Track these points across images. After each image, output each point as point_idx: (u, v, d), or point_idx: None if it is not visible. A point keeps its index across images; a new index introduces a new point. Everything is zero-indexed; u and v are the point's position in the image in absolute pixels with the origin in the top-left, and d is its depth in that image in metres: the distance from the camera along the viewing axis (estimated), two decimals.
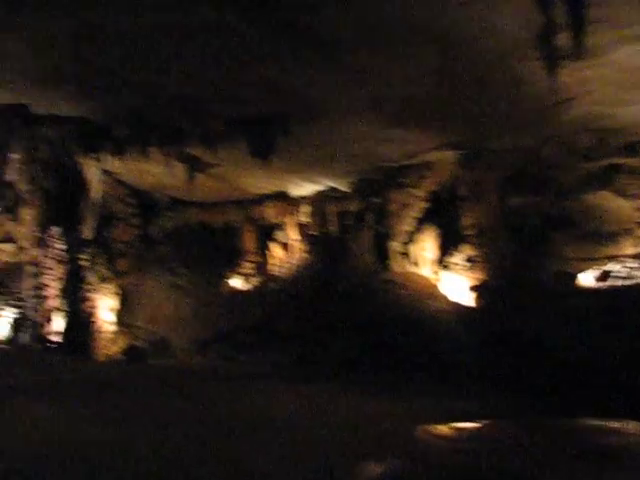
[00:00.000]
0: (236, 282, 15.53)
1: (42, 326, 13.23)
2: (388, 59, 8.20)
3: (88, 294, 12.77)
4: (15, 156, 8.81)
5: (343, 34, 7.52)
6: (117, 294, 13.81)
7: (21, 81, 9.13)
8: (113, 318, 13.37)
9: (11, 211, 16.07)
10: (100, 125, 10.34)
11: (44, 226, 9.75)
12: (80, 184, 10.37)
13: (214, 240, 16.77)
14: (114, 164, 14.56)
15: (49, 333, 13.03)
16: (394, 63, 8.31)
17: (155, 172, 15.55)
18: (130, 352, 12.89)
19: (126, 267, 16.01)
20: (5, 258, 15.81)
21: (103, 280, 12.95)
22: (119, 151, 11.76)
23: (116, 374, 11.19)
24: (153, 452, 5.62)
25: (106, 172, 15.21)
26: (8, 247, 15.79)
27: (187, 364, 13.69)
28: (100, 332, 12.81)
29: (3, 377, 9.69)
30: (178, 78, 8.96)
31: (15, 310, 14.59)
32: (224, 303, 15.10)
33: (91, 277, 12.89)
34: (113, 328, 13.27)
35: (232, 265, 15.88)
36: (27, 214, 9.25)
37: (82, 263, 13.09)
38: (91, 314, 12.80)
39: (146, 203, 17.19)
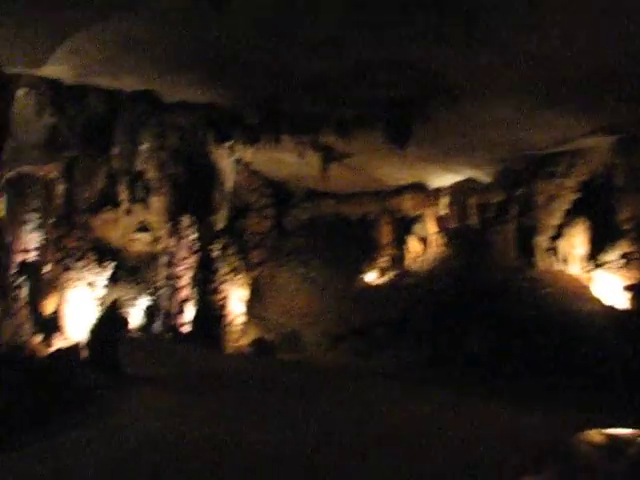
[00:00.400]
0: (371, 276, 17.36)
1: (174, 316, 16.06)
2: (542, 37, 8.50)
3: (219, 285, 15.28)
4: (144, 144, 11.04)
5: (490, 7, 7.79)
6: (248, 285, 16.25)
7: (149, 67, 10.22)
8: (243, 310, 15.77)
9: (145, 200, 19.40)
10: (231, 112, 12.33)
11: (174, 215, 12.09)
12: (211, 173, 12.65)
13: (349, 232, 18.77)
14: (247, 153, 17.08)
15: (181, 323, 15.62)
16: (547, 41, 8.58)
17: (289, 162, 17.82)
18: (258, 345, 15.19)
19: (259, 258, 18.56)
20: (140, 247, 19.03)
21: (235, 271, 15.39)
22: (252, 140, 14.04)
23: (245, 367, 13.16)
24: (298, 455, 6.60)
25: (239, 162, 17.86)
26: (144, 236, 19.01)
27: (318, 359, 15.74)
28: (230, 324, 15.25)
29: (135, 367, 11.43)
30: (311, 60, 9.90)
31: (149, 299, 17.73)
32: (358, 297, 16.98)
33: (223, 268, 15.36)
34: (243, 320, 15.68)
35: (367, 258, 17.75)
36: (157, 202, 11.61)
37: (214, 253, 15.68)
38: (222, 305, 15.24)
39: (281, 194, 19.67)
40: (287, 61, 9.93)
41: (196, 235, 16.45)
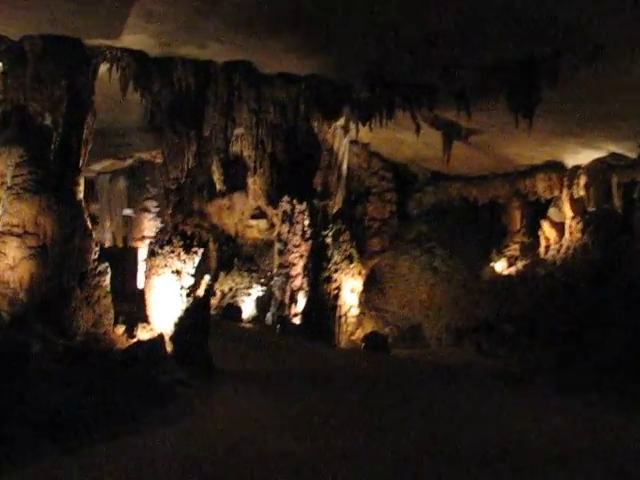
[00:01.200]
0: (499, 265, 16.49)
1: (286, 306, 16.02)
2: None
3: (332, 274, 15.11)
4: (241, 119, 10.91)
5: None
6: (363, 275, 15.98)
7: (236, 31, 9.41)
8: (357, 301, 15.51)
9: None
10: (336, 84, 11.91)
11: (274, 198, 11.93)
12: (315, 153, 12.39)
13: (477, 218, 17.96)
14: (363, 133, 16.77)
15: (293, 314, 15.15)
16: None
17: (409, 142, 17.26)
18: (373, 339, 14.34)
19: (379, 246, 18.23)
20: (256, 235, 19.30)
21: (348, 259, 15.13)
22: (363, 116, 13.68)
23: (356, 364, 12.51)
24: None
25: (356, 142, 17.63)
26: (261, 223, 19.28)
27: (438, 356, 15.22)
28: (343, 316, 15.01)
29: (235, 361, 11.25)
30: (422, 15, 8.93)
31: (262, 289, 17.93)
32: (485, 289, 16.15)
33: (336, 255, 15.15)
34: (357, 312, 15.44)
35: (495, 246, 16.90)
36: (254, 184, 11.59)
37: (327, 240, 15.43)
38: (335, 296, 14.96)
39: (403, 177, 19.22)
40: (395, 18, 9.06)
41: (308, 221, 16.49)
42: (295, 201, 16.15)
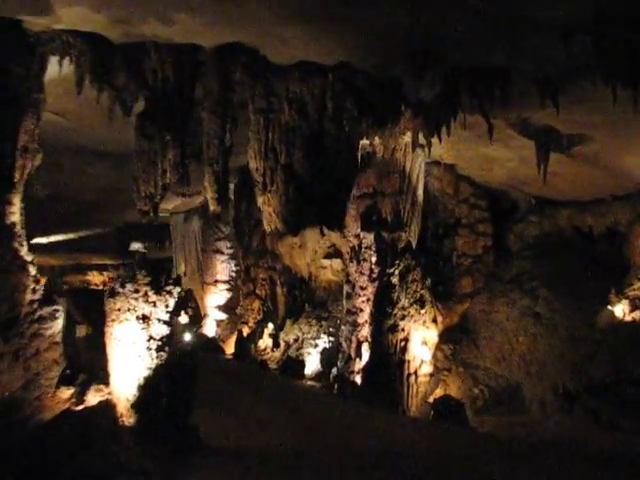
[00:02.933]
0: (620, 309, 12.82)
1: (352, 361, 13.42)
2: None
3: (398, 322, 12.21)
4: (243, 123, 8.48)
5: None
6: (443, 323, 12.96)
7: (245, 14, 7.38)
8: (430, 355, 12.41)
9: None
10: (377, 79, 9.27)
11: (292, 223, 8.96)
12: (349, 163, 9.43)
13: (591, 251, 14.43)
14: (442, 150, 13.91)
15: (358, 371, 12.37)
16: None
17: (501, 159, 14.25)
18: (442, 406, 10.92)
19: (470, 287, 15.13)
20: (330, 276, 16.81)
21: (419, 303, 12.18)
22: (429, 125, 10.96)
23: (430, 443, 9.18)
24: None
25: (436, 163, 14.81)
26: (334, 263, 16.79)
27: (539, 428, 11.86)
28: (412, 374, 12.03)
29: (267, 435, 8.88)
30: None
31: (331, 339, 15.30)
32: (601, 339, 12.56)
33: (403, 299, 12.28)
34: (429, 369, 12.38)
35: (616, 285, 13.26)
36: (266, 205, 8.84)
37: (392, 280, 12.46)
38: (402, 349, 11.79)
39: (500, 205, 16.11)
40: None
41: (376, 258, 13.79)
42: (363, 233, 13.62)
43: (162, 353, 7.45)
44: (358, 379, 12.38)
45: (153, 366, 7.36)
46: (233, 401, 11.26)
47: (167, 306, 7.53)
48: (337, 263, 15.84)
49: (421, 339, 11.82)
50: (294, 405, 11.12)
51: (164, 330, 7.46)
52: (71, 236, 23.02)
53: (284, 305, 16.80)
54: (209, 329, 18.96)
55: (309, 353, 14.82)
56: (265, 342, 16.04)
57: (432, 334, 12.00)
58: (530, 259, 14.69)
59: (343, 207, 9.63)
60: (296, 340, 15.36)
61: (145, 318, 7.36)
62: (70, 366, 7.79)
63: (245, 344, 15.77)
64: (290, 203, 8.45)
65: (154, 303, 7.44)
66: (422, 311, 11.91)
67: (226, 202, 8.50)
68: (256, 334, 16.37)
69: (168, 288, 7.51)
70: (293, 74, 8.31)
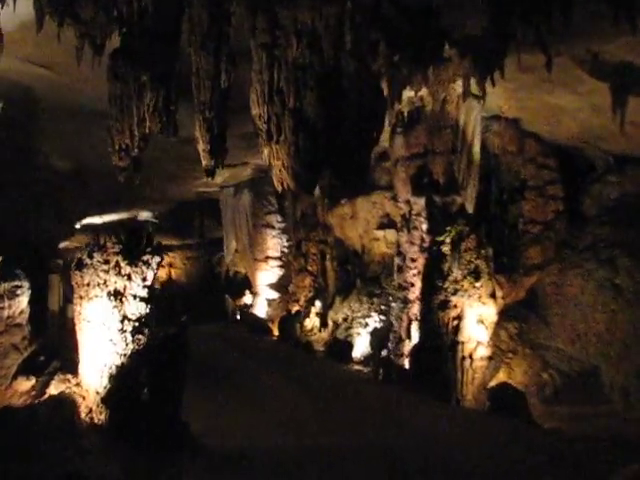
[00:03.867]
0: None
1: (401, 343, 11.87)
2: None
3: (450, 297, 10.67)
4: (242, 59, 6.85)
5: None
6: (503, 299, 11.24)
7: None
8: (487, 336, 10.84)
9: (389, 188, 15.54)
10: (409, 7, 7.42)
11: (305, 180, 7.04)
12: (375, 108, 7.59)
13: None
14: (503, 101, 12.04)
15: (407, 354, 10.88)
16: None
17: (570, 108, 12.28)
18: (499, 396, 9.12)
19: (540, 258, 13.26)
20: (384, 249, 15.16)
21: (474, 275, 10.51)
22: (480, 67, 9.21)
23: (482, 441, 7.57)
24: None
25: (496, 117, 12.94)
26: (388, 234, 15.17)
27: (620, 420, 10.05)
28: (467, 358, 10.46)
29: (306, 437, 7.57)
30: None
31: (382, 318, 13.81)
32: None
33: (456, 271, 10.59)
34: (487, 352, 10.73)
35: None
36: (274, 158, 7.10)
37: (443, 249, 10.68)
38: (454, 328, 10.10)
39: (573, 165, 14.07)
40: None
41: (427, 225, 12.17)
42: (413, 198, 12.04)
43: (140, 337, 6.21)
44: (407, 363, 10.92)
45: (128, 352, 6.10)
46: (259, 390, 10.04)
47: (144, 279, 6.27)
48: (391, 234, 14.30)
49: (476, 317, 10.19)
50: (330, 395, 9.76)
51: (142, 308, 6.22)
52: (125, 216, 22.34)
53: (334, 281, 15.40)
54: (260, 309, 17.81)
55: (359, 333, 13.42)
56: (312, 322, 14.72)
57: (490, 311, 10.32)
58: (609, 224, 12.65)
59: (366, 161, 7.94)
60: (345, 319, 13.98)
61: (118, 294, 6.13)
62: (44, 352, 6.72)
63: (290, 324, 14.53)
64: (301, 155, 6.95)
65: (128, 276, 6.19)
66: (477, 284, 10.26)
67: (223, 155, 7.09)
68: (301, 313, 15.10)
69: (145, 258, 6.24)
70: (302, 1, 6.82)
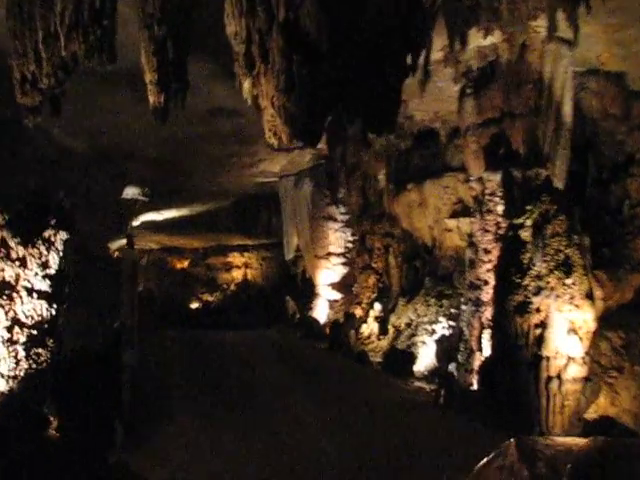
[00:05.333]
0: None
1: (471, 355, 9.24)
2: None
3: (531, 297, 7.92)
4: None
5: None
6: (604, 300, 8.42)
7: None
8: (582, 350, 7.85)
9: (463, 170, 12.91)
10: None
11: (303, 126, 4.81)
12: (406, 26, 5.05)
13: None
14: (594, 44, 9.16)
15: (477, 370, 8.41)
16: None
17: None
18: (601, 430, 6.53)
19: None
20: (457, 241, 12.45)
21: (564, 269, 7.72)
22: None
23: None
24: None
25: (594, 72, 10.04)
26: (462, 223, 12.49)
27: None
28: (555, 378, 7.62)
29: None
30: None
31: (451, 323, 11.13)
32: None
33: (539, 263, 7.96)
34: (582, 372, 7.78)
35: None
36: (263, 96, 4.86)
37: (522, 235, 8.01)
38: (537, 339, 7.28)
39: None
40: None
41: (503, 206, 9.57)
42: (487, 174, 9.51)
43: (40, 351, 4.20)
44: (476, 382, 8.43)
45: (20, 374, 4.12)
46: (283, 417, 7.89)
47: (46, 266, 4.23)
48: (466, 223, 11.84)
49: (567, 324, 7.55)
50: (372, 427, 7.45)
51: (42, 309, 4.18)
52: (185, 212, 20.69)
53: (398, 280, 12.98)
54: (320, 311, 15.60)
55: (423, 342, 10.96)
56: (369, 327, 12.37)
57: (586, 316, 7.62)
58: None
59: (394, 96, 5.39)
60: (409, 325, 11.56)
61: (4, 288, 4.11)
62: None
63: (341, 330, 12.24)
64: (297, 89, 4.70)
65: (21, 261, 4.16)
66: (568, 281, 7.61)
67: (180, 89, 4.94)
68: (349, 318, 12.74)
69: (46, 234, 4.19)
70: None
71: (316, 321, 14.92)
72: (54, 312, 4.17)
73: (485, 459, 3.80)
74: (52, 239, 4.18)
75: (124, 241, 21.80)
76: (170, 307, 28.30)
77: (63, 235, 4.25)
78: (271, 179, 17.12)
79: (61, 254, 4.26)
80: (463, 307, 9.80)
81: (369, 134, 5.99)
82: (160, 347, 13.51)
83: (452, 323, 10.67)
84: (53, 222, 4.22)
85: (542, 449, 3.71)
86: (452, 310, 10.88)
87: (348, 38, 4.81)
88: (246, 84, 4.97)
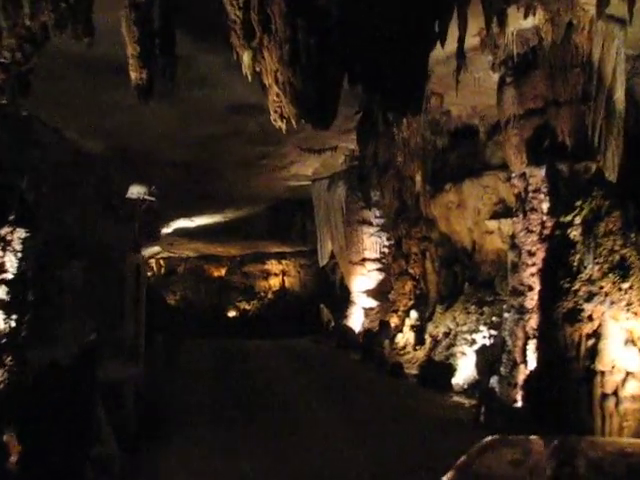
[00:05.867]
0: None
1: (515, 368, 8.31)
2: None
3: (582, 304, 7.03)
4: None
5: None
6: None
7: None
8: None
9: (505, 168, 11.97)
10: None
11: (315, 107, 4.00)
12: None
13: None
14: None
15: (522, 384, 7.41)
16: None
17: None
18: None
19: None
20: (499, 244, 11.41)
21: (620, 272, 6.81)
22: None
23: None
24: None
25: None
26: (504, 225, 11.53)
27: None
28: (611, 395, 6.70)
29: None
30: None
31: (492, 333, 10.16)
32: None
33: (590, 265, 7.01)
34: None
35: None
36: (268, 75, 4.15)
37: (571, 234, 7.15)
38: (588, 351, 6.54)
39: None
40: None
41: (548, 203, 8.66)
42: (530, 169, 8.64)
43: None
44: (517, 397, 7.56)
45: None
46: (306, 429, 7.18)
47: (1, 270, 3.56)
48: (508, 225, 10.97)
49: (625, 334, 6.64)
50: (393, 444, 6.67)
51: None
52: (217, 218, 20.14)
53: (436, 286, 12.13)
54: (355, 320, 14.80)
55: (463, 353, 10.08)
56: (405, 337, 11.54)
57: None
58: None
59: (419, 69, 4.50)
60: (447, 334, 10.69)
61: None
62: None
63: (375, 340, 11.43)
64: (302, 60, 3.97)
65: None
66: (625, 285, 6.70)
67: (168, 64, 4.27)
68: (384, 327, 11.90)
69: (2, 232, 3.54)
70: None
71: (351, 330, 14.14)
72: (14, 323, 3.54)
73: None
74: (8, 239, 3.55)
75: (157, 248, 21.36)
76: (208, 315, 27.91)
77: (21, 233, 3.62)
78: (304, 182, 16.46)
79: (20, 255, 3.63)
80: (506, 315, 8.91)
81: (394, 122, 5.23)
82: (188, 358, 12.97)
83: (494, 332, 9.77)
84: (11, 217, 3.59)
85: (585, 449, 3.09)
86: (494, 318, 9.99)
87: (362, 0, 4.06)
88: (245, 57, 4.27)
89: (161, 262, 31.39)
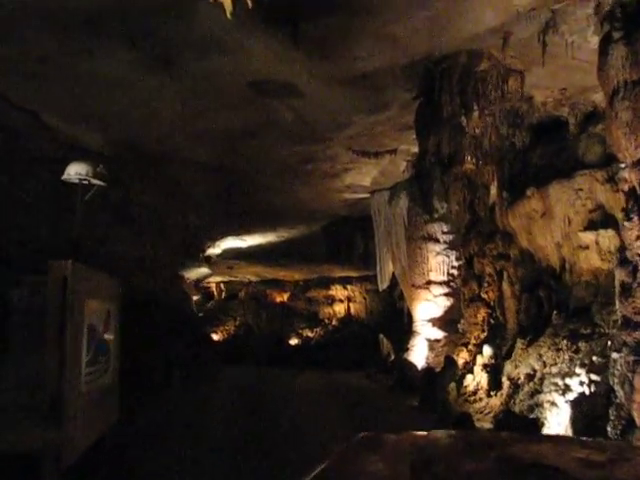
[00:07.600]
0: None
1: (631, 430, 5.73)
2: None
3: None
4: None
5: None
6: None
7: None
8: None
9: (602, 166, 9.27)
10: None
11: None
12: None
13: None
14: None
15: None
16: None
17: None
18: None
19: None
20: (596, 262, 8.71)
21: None
22: None
23: None
24: None
25: None
26: (602, 237, 8.78)
27: None
28: None
29: None
30: None
31: (594, 378, 7.37)
32: None
33: None
34: None
35: None
36: None
37: None
38: None
39: None
40: None
41: None
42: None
43: None
44: None
45: None
46: None
47: None
48: (608, 237, 8.49)
49: None
50: None
51: None
52: (271, 238, 18.14)
53: (515, 315, 9.58)
54: (418, 354, 12.32)
55: (552, 403, 7.50)
56: (476, 379, 9.03)
57: None
58: None
59: None
60: (531, 377, 8.13)
61: None
62: None
63: (439, 382, 8.99)
64: None
65: None
66: None
67: None
68: (449, 365, 9.39)
69: None
70: None
71: (411, 365, 11.69)
72: None
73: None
74: None
75: (205, 270, 19.53)
76: (268, 343, 26.12)
77: None
78: (362, 195, 14.24)
79: None
80: (614, 355, 6.40)
81: None
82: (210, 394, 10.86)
83: (595, 377, 7.19)
84: None
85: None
86: (594, 358, 7.41)
87: None
88: None
89: (222, 286, 29.97)
